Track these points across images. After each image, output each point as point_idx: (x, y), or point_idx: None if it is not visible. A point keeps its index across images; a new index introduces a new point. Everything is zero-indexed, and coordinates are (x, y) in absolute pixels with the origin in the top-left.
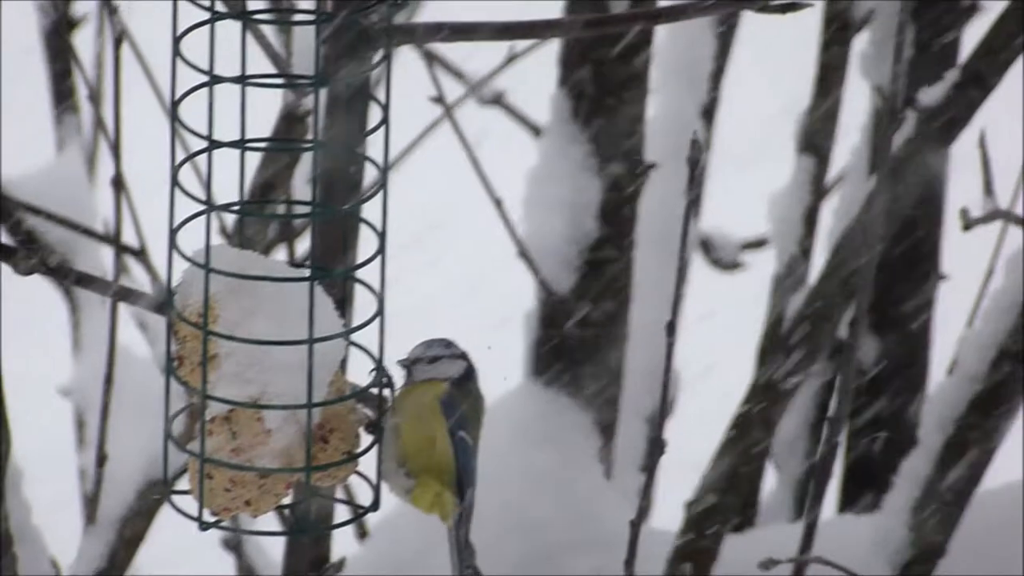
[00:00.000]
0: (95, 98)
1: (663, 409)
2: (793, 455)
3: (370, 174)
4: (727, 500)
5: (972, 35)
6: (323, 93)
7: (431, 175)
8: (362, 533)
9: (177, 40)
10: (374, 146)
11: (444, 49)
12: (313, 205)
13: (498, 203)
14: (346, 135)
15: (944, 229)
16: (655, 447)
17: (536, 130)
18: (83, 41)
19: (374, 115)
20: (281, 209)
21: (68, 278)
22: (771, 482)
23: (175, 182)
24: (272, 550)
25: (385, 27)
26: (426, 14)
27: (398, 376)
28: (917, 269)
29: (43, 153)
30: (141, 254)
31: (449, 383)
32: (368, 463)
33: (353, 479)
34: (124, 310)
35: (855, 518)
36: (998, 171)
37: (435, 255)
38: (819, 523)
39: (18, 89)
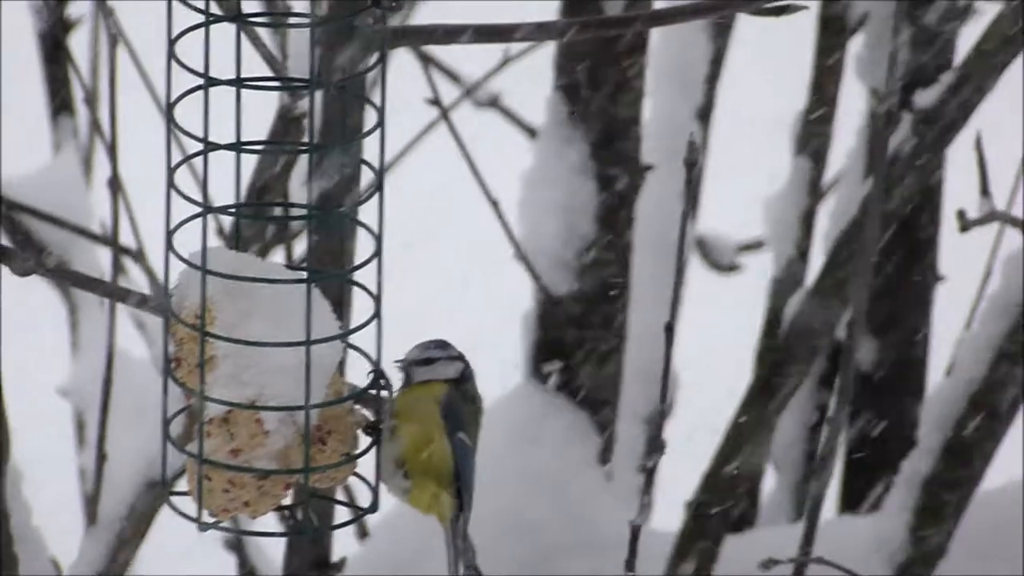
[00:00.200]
0: (91, 100)
1: (662, 410)
2: (793, 456)
3: (366, 176)
4: (727, 501)
5: (968, 37)
6: (319, 95)
7: (427, 177)
8: (362, 533)
9: (172, 42)
10: (370, 148)
11: (440, 51)
12: (309, 207)
13: (495, 204)
14: (342, 137)
15: (941, 231)
16: (654, 448)
17: (532, 132)
18: (79, 43)
19: (370, 117)
20: (278, 211)
21: (66, 279)
22: (771, 483)
23: (171, 184)
24: (272, 551)
25: (380, 29)
26: (421, 16)
27: (396, 378)
28: (914, 271)
29: (40, 155)
30: (138, 255)
31: (447, 384)
32: (367, 464)
33: (353, 480)
34: (122, 311)
35: (855, 519)
36: (994, 173)
37: (432, 257)
38: (819, 524)
39: (14, 91)
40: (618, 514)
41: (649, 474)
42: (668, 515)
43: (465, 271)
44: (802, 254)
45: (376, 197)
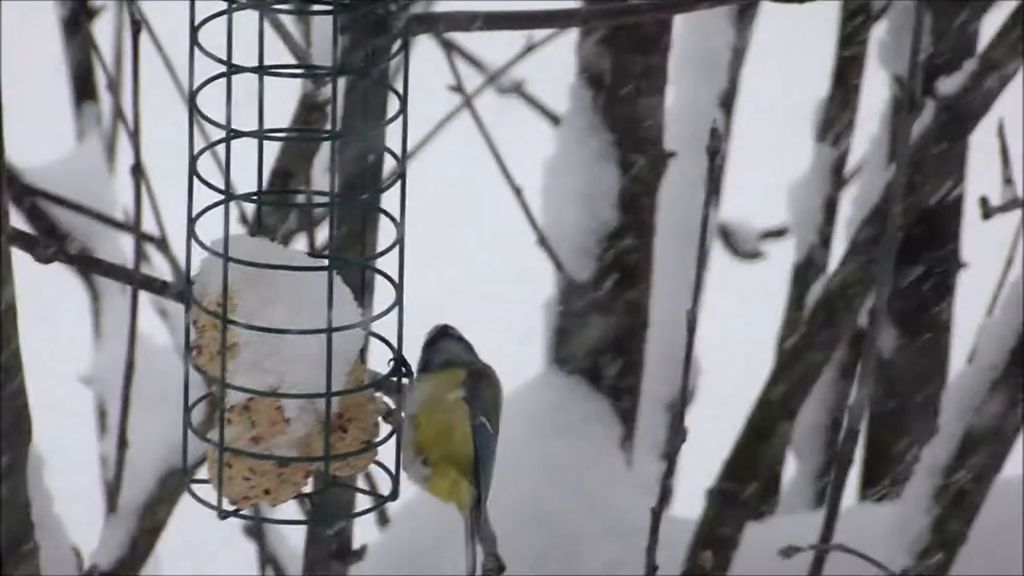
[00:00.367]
0: (114, 88)
1: (683, 397)
2: (813, 443)
3: (389, 163)
4: (748, 488)
5: (991, 24)
6: (341, 82)
7: (450, 164)
8: (383, 521)
9: (195, 30)
10: (392, 135)
11: (462, 38)
12: (332, 195)
13: (518, 191)
14: (365, 124)
15: (963, 218)
16: (676, 435)
17: (555, 119)
18: (102, 31)
19: (392, 104)
20: (300, 198)
21: (88, 266)
22: (791, 470)
23: (194, 171)
24: (293, 539)
25: (403, 16)
26: (444, 3)
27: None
28: (937, 258)
29: (63, 143)
30: (161, 243)
31: (467, 369)
32: (387, 452)
33: (374, 468)
34: (144, 299)
35: (875, 506)
36: (1017, 160)
37: (454, 244)
38: (839, 511)
39: (38, 79)
40: (639, 501)
41: (670, 461)
42: (689, 502)
43: (487, 258)
44: (824, 241)
45: (398, 184)
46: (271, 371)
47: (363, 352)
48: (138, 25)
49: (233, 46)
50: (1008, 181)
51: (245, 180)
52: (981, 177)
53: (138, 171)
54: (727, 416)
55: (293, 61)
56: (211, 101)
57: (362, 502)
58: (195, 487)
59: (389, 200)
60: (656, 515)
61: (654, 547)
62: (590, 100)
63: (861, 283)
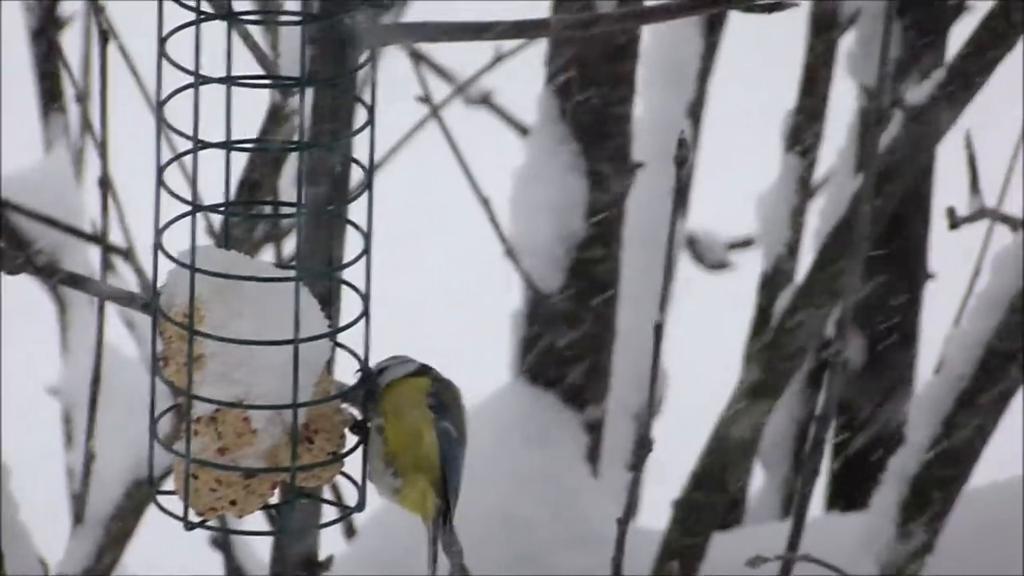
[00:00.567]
0: (82, 98)
1: (650, 408)
2: (781, 453)
3: (356, 174)
4: (714, 498)
5: (959, 34)
6: (309, 93)
7: (417, 175)
8: (350, 532)
9: (163, 40)
10: (360, 146)
11: (431, 49)
12: (299, 206)
13: (486, 202)
14: (332, 136)
15: (931, 228)
16: (642, 445)
17: (523, 130)
18: (70, 41)
19: (360, 115)
20: (267, 210)
21: (55, 277)
22: (759, 480)
23: (160, 182)
24: (259, 550)
25: (371, 27)
26: (412, 14)
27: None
28: (904, 268)
29: (31, 153)
30: (128, 254)
31: (428, 377)
32: (354, 463)
33: (341, 478)
34: (111, 310)
35: (842, 516)
36: (984, 169)
37: (421, 255)
38: (806, 521)
39: (5, 89)
40: (606, 511)
41: (637, 471)
42: (656, 513)
43: (455, 269)
44: (792, 251)
45: (366, 195)
46: (238, 382)
47: (330, 363)
48: (106, 35)
49: (201, 57)
50: (975, 191)
51: (212, 191)
52: (948, 187)
53: (105, 182)
54: (694, 426)
55: (261, 72)
56: (179, 112)
57: (329, 513)
58: (161, 498)
59: (356, 211)
60: (623, 525)
61: (620, 557)
62: (558, 110)
63: (828, 293)
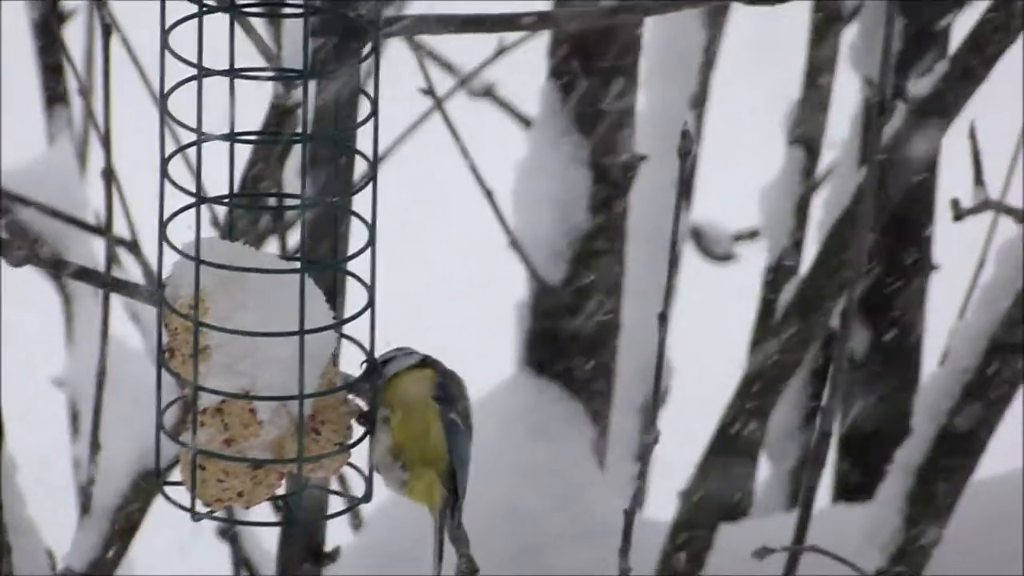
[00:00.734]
0: (85, 91)
1: (656, 400)
2: (787, 445)
3: (360, 166)
4: (721, 490)
5: (961, 26)
6: (312, 85)
7: (421, 167)
8: (357, 523)
9: (166, 33)
10: (364, 138)
11: (434, 42)
12: (303, 198)
13: (489, 194)
14: (335, 128)
15: (935, 220)
16: (648, 437)
17: (526, 122)
18: (73, 34)
19: (363, 107)
20: (271, 202)
21: (60, 269)
22: (765, 472)
23: (165, 174)
24: (266, 540)
25: (374, 19)
26: (415, 7)
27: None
28: (908, 259)
29: (34, 146)
30: (133, 246)
31: (433, 369)
32: (360, 454)
33: (347, 469)
34: (117, 302)
35: (849, 508)
36: (988, 161)
37: (425, 247)
38: (813, 513)
39: (8, 82)
40: (612, 503)
41: (643, 463)
42: (663, 504)
43: (459, 261)
44: (796, 243)
45: (370, 187)
46: (244, 373)
47: (335, 354)
48: (109, 28)
49: (204, 49)
50: (979, 183)
51: (216, 183)
52: (952, 180)
53: (109, 174)
54: (700, 418)
55: (264, 64)
56: (182, 105)
57: (336, 504)
58: (168, 489)
59: (360, 202)
60: (629, 517)
61: (627, 549)
62: (561, 103)
63: (833, 285)
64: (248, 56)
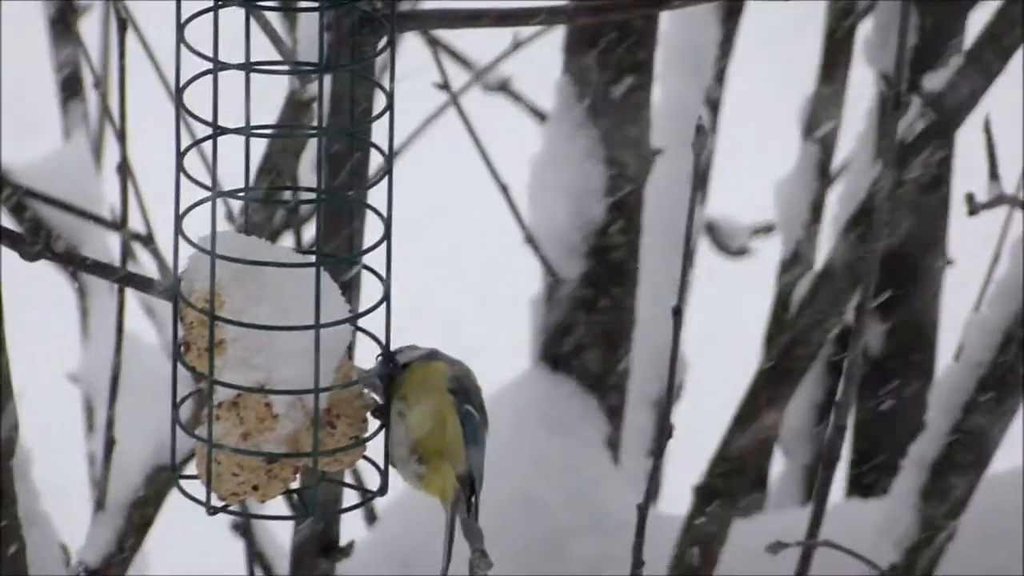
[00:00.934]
0: (101, 86)
1: (670, 394)
2: (801, 440)
3: (375, 161)
4: (735, 485)
5: (976, 21)
6: (327, 79)
7: (436, 162)
8: (371, 517)
9: (181, 27)
10: (379, 132)
11: (449, 36)
12: (319, 191)
13: (504, 189)
14: (351, 121)
15: (950, 214)
16: (663, 431)
17: (541, 116)
18: (89, 29)
19: (379, 101)
20: (287, 195)
21: (75, 264)
22: (779, 467)
23: (180, 168)
24: (281, 535)
25: (389, 13)
26: (430, 0)
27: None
28: (923, 254)
29: (50, 141)
30: (148, 240)
31: (445, 362)
32: (376, 448)
33: (362, 463)
34: (131, 297)
35: (863, 502)
36: (1003, 156)
37: (440, 241)
38: (827, 507)
39: (25, 77)
40: (626, 497)
41: (657, 458)
42: (676, 499)
43: (474, 255)
44: (811, 238)
45: (385, 181)
46: (259, 367)
47: (350, 348)
48: (124, 23)
49: (219, 43)
50: (994, 177)
51: (232, 178)
52: (967, 174)
53: (124, 169)
54: (714, 412)
55: (279, 58)
56: (198, 99)
57: (350, 498)
58: (184, 483)
59: (376, 196)
60: (643, 511)
61: (641, 543)
62: (576, 97)
63: (847, 279)
64: (264, 50)
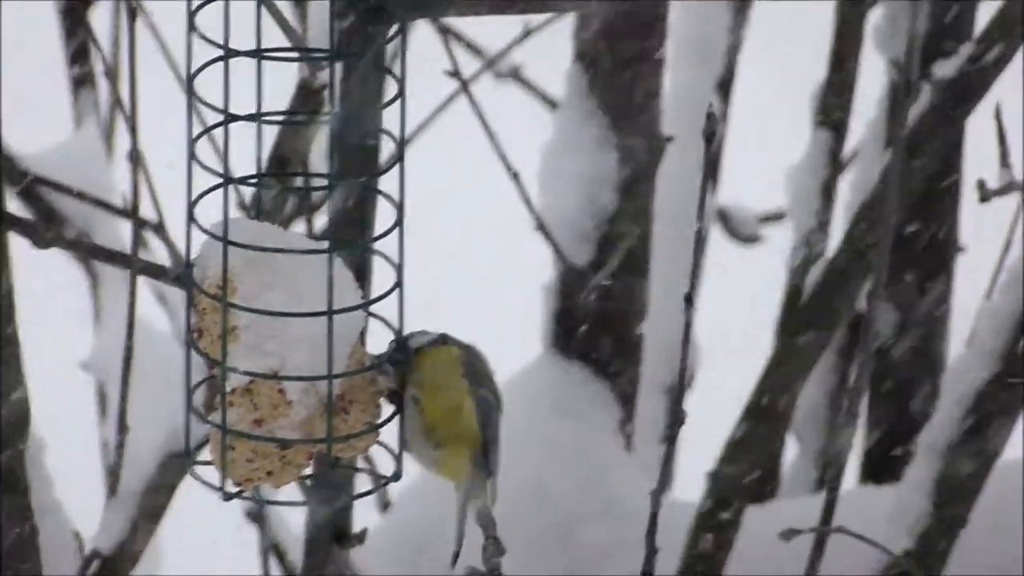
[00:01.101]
0: (111, 74)
1: (682, 381)
2: (813, 427)
3: (387, 148)
4: (748, 472)
5: (987, 8)
6: (338, 67)
7: (446, 149)
8: (384, 504)
9: (192, 14)
10: (390, 119)
11: (460, 23)
12: (330, 178)
13: (515, 176)
14: (362, 108)
15: (961, 201)
16: (675, 418)
17: (552, 104)
18: (99, 17)
19: (390, 89)
20: (299, 182)
21: (87, 251)
22: (792, 453)
23: (192, 155)
24: (294, 522)
25: (400, 1)
26: None
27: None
28: (934, 241)
29: (61, 129)
30: (159, 228)
31: (456, 345)
32: (390, 433)
33: (376, 449)
34: (143, 284)
35: (876, 489)
36: (1014, 143)
37: (451, 228)
38: (840, 494)
39: (35, 65)
40: (639, 484)
41: (670, 444)
42: (689, 485)
43: (485, 242)
44: (823, 225)
45: (397, 167)
46: (272, 354)
47: (363, 334)
48: (134, 11)
49: (230, 31)
50: (1005, 164)
51: (243, 166)
52: (978, 160)
53: (135, 156)
54: (727, 399)
55: (290, 45)
56: (208, 87)
57: (364, 484)
58: (197, 469)
59: (387, 183)
60: (656, 498)
61: (654, 530)
62: (587, 85)
63: (859, 266)
64: (274, 37)
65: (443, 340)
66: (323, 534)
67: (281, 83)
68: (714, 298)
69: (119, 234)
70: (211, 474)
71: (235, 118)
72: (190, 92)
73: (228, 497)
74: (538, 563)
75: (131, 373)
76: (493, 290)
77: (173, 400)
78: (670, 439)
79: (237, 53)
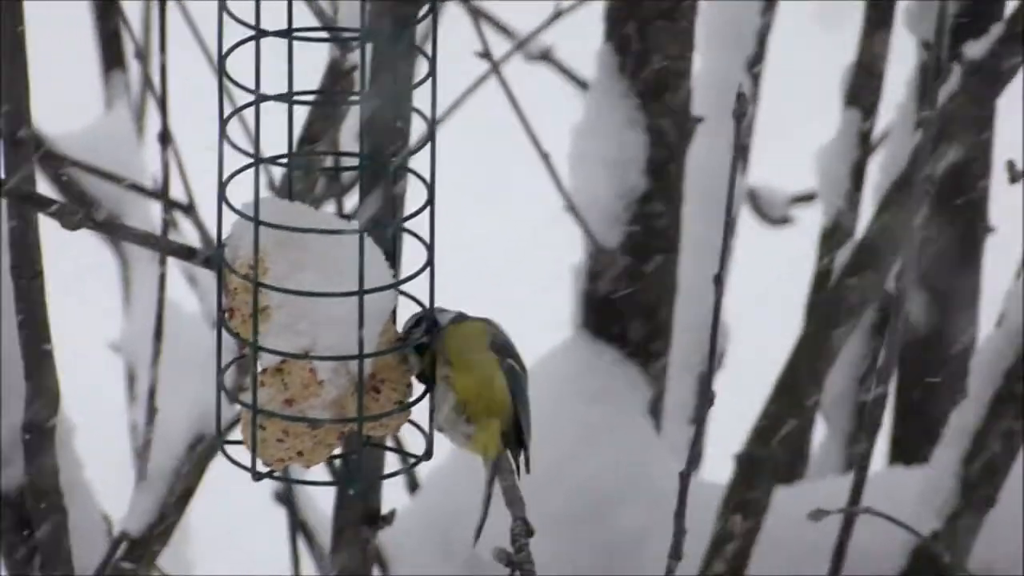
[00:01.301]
0: (142, 55)
1: (712, 362)
2: (842, 407)
3: (417, 129)
4: (777, 452)
5: None
6: (369, 47)
7: (477, 130)
8: (413, 485)
9: None
10: (421, 99)
11: (490, 4)
12: (361, 157)
13: (546, 157)
14: (393, 88)
15: (991, 182)
16: (704, 400)
17: (583, 85)
18: None
19: (420, 69)
20: (329, 161)
21: (117, 233)
22: (821, 434)
23: (223, 135)
24: (322, 504)
25: None
26: None
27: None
28: (964, 222)
29: (92, 111)
30: (189, 209)
31: (480, 319)
32: (420, 412)
33: (406, 429)
34: (173, 266)
35: (904, 470)
36: None
37: (481, 209)
38: (868, 475)
39: (66, 48)
40: (668, 465)
41: (699, 425)
42: (718, 466)
43: (516, 223)
44: (852, 206)
45: (428, 147)
46: (304, 333)
47: (394, 313)
48: None
49: (261, 11)
50: None
51: (274, 147)
52: (1009, 142)
53: (166, 138)
54: (756, 380)
55: (321, 25)
56: (239, 67)
57: (394, 464)
58: (228, 449)
59: (418, 163)
60: (685, 479)
61: (683, 511)
62: (617, 66)
63: (889, 248)
64: (305, 18)
65: (462, 318)
66: (352, 515)
67: (312, 64)
68: (744, 279)
69: (149, 216)
70: (242, 454)
71: (266, 98)
72: (221, 73)
73: (259, 477)
74: (568, 545)
75: (161, 355)
76: (524, 270)
77: (203, 382)
78: (699, 420)
79: (268, 33)
